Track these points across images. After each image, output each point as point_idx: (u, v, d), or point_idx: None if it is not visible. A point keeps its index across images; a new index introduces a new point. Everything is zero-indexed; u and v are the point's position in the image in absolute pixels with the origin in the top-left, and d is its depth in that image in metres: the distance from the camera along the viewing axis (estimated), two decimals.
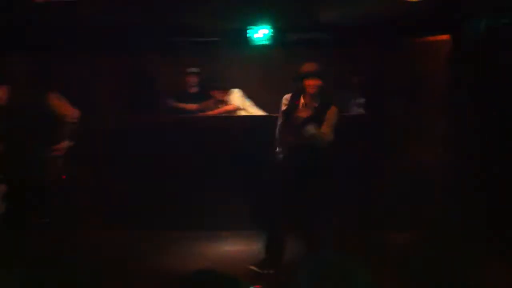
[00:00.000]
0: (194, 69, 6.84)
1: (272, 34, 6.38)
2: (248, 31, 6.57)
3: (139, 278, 4.33)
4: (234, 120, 6.38)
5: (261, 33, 6.57)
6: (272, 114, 5.31)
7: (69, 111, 5.11)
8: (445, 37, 5.66)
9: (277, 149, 4.78)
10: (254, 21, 6.43)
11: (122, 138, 5.94)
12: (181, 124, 6.22)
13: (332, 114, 4.63)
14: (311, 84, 4.54)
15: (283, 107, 4.70)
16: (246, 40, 6.63)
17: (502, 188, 4.94)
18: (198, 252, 5.20)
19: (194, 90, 6.88)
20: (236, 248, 5.24)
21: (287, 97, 4.74)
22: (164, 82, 7.08)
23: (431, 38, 5.63)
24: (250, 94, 6.70)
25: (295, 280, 1.46)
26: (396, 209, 5.50)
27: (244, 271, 4.50)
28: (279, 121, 4.76)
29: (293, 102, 4.67)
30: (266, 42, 6.50)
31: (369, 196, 5.69)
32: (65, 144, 5.07)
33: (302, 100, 4.67)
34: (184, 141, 5.97)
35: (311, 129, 4.51)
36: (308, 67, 4.60)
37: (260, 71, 6.83)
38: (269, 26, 6.40)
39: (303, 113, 4.56)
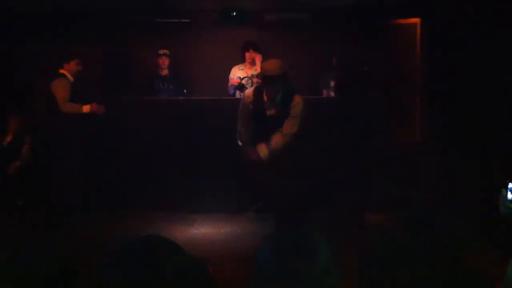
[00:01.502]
0: (165, 51, 6.66)
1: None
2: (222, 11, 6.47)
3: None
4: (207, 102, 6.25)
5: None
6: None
7: None
8: (418, 19, 5.67)
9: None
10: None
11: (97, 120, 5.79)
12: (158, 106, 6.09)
13: (297, 106, 4.57)
14: (270, 88, 4.43)
15: (250, 104, 4.55)
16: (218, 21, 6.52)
17: (477, 168, 5.00)
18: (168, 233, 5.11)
19: (165, 72, 6.71)
20: (204, 231, 5.17)
21: (250, 92, 4.60)
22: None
23: (405, 20, 5.62)
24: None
25: (259, 257, 1.40)
26: (371, 190, 5.53)
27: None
28: (242, 118, 4.64)
29: (259, 98, 4.54)
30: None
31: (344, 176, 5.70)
32: None
33: (265, 96, 4.56)
34: (160, 123, 5.85)
35: (262, 151, 4.52)
36: (267, 69, 4.45)
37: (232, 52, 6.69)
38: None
39: (270, 111, 4.49)
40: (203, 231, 4.99)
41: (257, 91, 4.57)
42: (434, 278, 1.47)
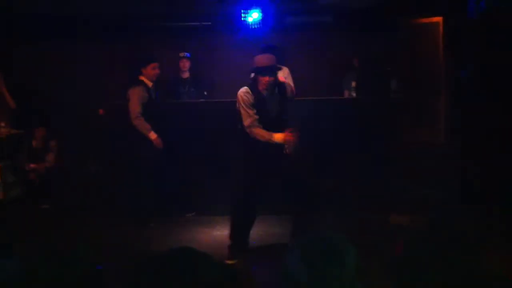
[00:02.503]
0: (186, 54, 6.71)
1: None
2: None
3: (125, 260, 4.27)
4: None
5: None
6: None
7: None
8: (440, 18, 5.60)
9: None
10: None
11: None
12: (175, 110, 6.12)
13: (289, 87, 4.68)
14: (265, 80, 4.39)
15: (252, 101, 4.52)
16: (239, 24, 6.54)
17: (500, 169, 4.93)
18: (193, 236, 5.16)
19: (186, 75, 6.76)
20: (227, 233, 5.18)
21: (247, 90, 4.56)
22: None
23: (427, 19, 5.55)
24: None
25: (284, 262, 1.40)
26: (394, 191, 5.49)
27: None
28: (250, 115, 4.48)
29: (258, 95, 4.49)
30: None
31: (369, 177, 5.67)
32: None
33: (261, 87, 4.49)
34: (180, 127, 5.88)
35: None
36: (262, 62, 4.42)
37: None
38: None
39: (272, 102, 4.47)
40: (225, 233, 4.99)
41: (252, 87, 4.55)
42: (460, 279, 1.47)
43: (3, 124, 6.50)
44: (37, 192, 6.38)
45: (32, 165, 6.38)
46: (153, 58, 5.57)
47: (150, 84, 5.51)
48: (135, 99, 5.39)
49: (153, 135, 5.42)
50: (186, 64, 6.71)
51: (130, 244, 4.83)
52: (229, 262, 4.40)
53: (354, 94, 6.49)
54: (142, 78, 5.49)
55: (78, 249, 1.58)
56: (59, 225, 5.52)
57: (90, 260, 1.52)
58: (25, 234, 4.93)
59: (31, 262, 1.49)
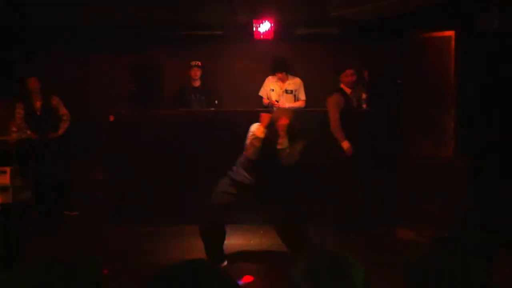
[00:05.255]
0: (197, 62, 6.74)
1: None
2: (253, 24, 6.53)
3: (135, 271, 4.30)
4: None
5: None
6: None
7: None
8: (452, 32, 5.57)
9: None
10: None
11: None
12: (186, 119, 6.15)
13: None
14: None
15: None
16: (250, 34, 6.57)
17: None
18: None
19: (197, 83, 6.79)
20: (234, 242, 5.17)
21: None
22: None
23: (439, 33, 5.53)
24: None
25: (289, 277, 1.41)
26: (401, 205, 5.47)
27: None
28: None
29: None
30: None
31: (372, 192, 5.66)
32: None
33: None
34: (192, 134, 5.90)
35: None
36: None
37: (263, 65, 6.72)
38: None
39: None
40: (233, 242, 5.01)
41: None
42: None
43: (14, 129, 6.55)
44: (46, 197, 6.43)
45: (42, 170, 6.42)
46: (347, 65, 5.66)
47: (348, 91, 5.68)
48: (333, 108, 5.56)
49: (345, 144, 5.48)
50: (197, 73, 6.74)
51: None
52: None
53: (364, 106, 6.47)
54: (342, 85, 5.66)
55: (86, 257, 1.59)
56: (65, 231, 5.60)
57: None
58: (30, 241, 4.95)
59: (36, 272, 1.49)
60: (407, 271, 1.63)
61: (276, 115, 4.48)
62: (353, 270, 1.39)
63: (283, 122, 4.37)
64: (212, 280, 1.33)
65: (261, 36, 6.64)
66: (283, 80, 6.48)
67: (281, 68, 6.37)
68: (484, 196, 5.07)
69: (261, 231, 5.54)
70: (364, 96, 6.03)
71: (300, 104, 6.46)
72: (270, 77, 6.53)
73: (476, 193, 5.12)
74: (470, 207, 5.09)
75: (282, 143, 4.35)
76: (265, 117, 4.46)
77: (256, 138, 4.40)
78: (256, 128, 4.45)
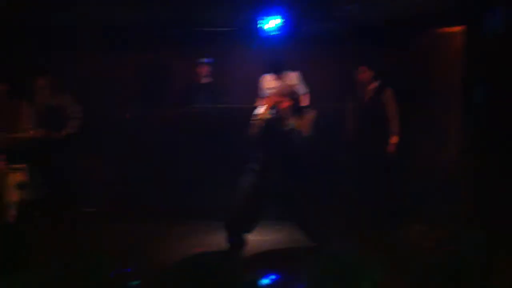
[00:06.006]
0: (205, 59, 6.79)
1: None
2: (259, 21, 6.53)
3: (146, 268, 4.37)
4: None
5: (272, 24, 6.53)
6: None
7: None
8: (459, 33, 5.55)
9: None
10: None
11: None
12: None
13: None
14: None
15: None
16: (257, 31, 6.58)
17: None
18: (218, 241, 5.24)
19: (206, 80, 6.83)
20: (251, 238, 5.24)
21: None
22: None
23: (448, 30, 5.52)
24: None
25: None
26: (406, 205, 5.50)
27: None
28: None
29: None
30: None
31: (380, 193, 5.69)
32: None
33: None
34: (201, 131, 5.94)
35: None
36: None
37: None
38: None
39: None
40: (250, 238, 5.08)
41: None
42: None
43: (30, 126, 6.65)
44: (62, 194, 6.52)
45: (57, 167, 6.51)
46: (361, 62, 5.76)
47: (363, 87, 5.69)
48: (392, 101, 5.64)
49: (396, 139, 5.55)
50: (204, 70, 6.79)
51: None
52: None
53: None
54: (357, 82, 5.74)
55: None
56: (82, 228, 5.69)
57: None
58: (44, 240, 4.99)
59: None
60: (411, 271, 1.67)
61: (278, 98, 4.58)
62: (366, 268, 1.42)
63: (285, 105, 4.49)
64: (231, 274, 1.37)
65: (269, 33, 6.64)
66: (280, 78, 6.36)
67: (278, 67, 6.33)
68: (484, 196, 5.08)
69: (277, 227, 5.59)
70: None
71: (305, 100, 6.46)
72: (266, 76, 6.45)
73: (476, 193, 5.13)
74: (470, 207, 5.11)
75: (289, 124, 4.49)
76: (268, 100, 4.59)
77: (259, 119, 4.52)
78: (260, 111, 4.58)
